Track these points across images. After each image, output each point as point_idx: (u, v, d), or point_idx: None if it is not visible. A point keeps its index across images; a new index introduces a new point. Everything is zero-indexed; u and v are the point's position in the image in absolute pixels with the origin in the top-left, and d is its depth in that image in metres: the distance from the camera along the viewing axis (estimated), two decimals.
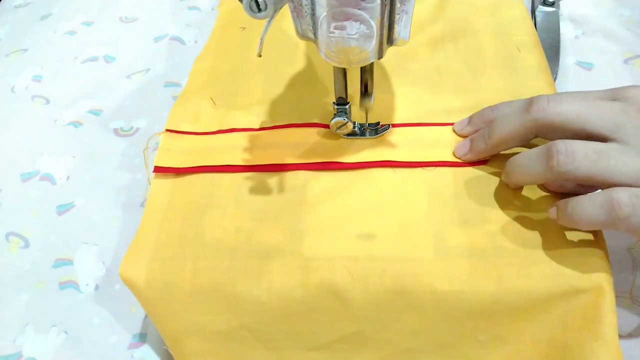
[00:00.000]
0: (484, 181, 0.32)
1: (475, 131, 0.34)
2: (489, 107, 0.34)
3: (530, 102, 0.29)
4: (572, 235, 0.29)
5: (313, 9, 0.27)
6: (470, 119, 0.35)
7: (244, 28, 0.45)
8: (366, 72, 0.32)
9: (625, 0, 0.51)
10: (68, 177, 0.43)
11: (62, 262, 0.38)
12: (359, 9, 0.26)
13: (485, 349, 0.30)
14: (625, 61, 0.46)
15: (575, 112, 0.28)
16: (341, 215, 0.32)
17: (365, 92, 0.33)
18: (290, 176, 0.34)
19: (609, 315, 0.27)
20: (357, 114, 0.35)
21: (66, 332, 0.35)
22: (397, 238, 0.30)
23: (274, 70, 0.41)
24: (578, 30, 0.49)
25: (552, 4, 0.49)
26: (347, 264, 0.29)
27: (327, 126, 0.36)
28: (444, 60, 0.41)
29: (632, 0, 0.51)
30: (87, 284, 0.37)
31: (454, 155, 0.34)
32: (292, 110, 0.38)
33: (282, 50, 0.43)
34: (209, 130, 0.37)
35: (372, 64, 0.31)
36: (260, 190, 0.33)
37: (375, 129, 0.35)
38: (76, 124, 0.47)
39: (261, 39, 0.28)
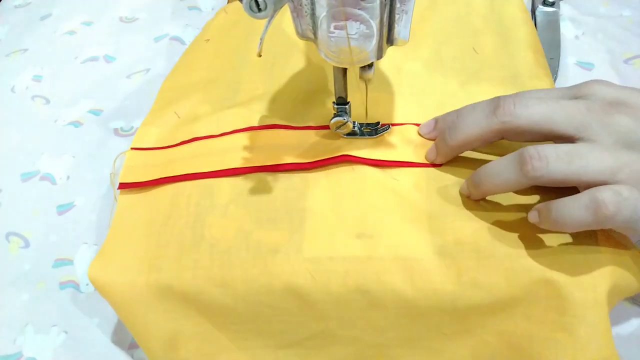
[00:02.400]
0: (451, 181, 0.32)
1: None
2: (454, 110, 0.33)
3: (496, 105, 0.29)
4: (533, 229, 0.29)
5: (313, 9, 0.27)
6: (436, 122, 0.34)
7: (208, 40, 0.47)
8: None
9: (626, 1, 0.51)
10: (68, 177, 0.43)
11: (62, 262, 0.38)
12: (358, 9, 0.26)
13: (451, 342, 0.30)
14: (626, 61, 0.46)
15: (541, 115, 0.28)
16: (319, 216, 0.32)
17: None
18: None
19: (575, 306, 0.27)
20: (357, 114, 0.35)
21: (66, 332, 0.35)
22: (356, 238, 0.30)
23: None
24: (578, 31, 0.49)
25: (552, 4, 0.49)
26: (310, 267, 0.29)
27: (326, 127, 0.36)
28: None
29: (633, 0, 0.51)
30: (87, 284, 0.37)
31: (426, 159, 0.33)
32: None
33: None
34: (173, 143, 0.38)
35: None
36: (238, 193, 0.33)
37: (375, 129, 0.35)
38: (76, 123, 0.47)
39: (261, 38, 0.28)
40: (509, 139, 0.30)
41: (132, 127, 0.46)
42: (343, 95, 0.33)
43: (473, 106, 0.32)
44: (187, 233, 0.32)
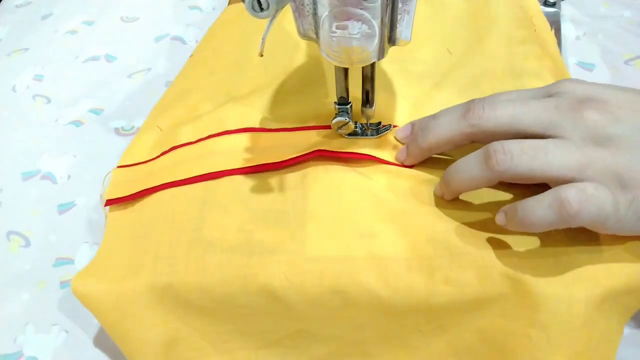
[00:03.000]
0: (426, 181, 0.32)
1: None
2: (431, 115, 0.33)
3: (467, 109, 0.30)
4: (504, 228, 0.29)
5: (315, 9, 0.27)
6: (412, 126, 0.34)
7: (192, 55, 0.48)
8: (367, 81, 0.32)
9: (626, 1, 0.51)
10: (69, 177, 0.43)
11: (63, 261, 0.38)
12: (360, 9, 0.26)
13: (429, 338, 0.30)
14: (626, 62, 0.46)
15: (508, 116, 0.28)
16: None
17: (367, 100, 0.33)
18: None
19: (547, 302, 0.27)
20: (358, 114, 0.35)
21: (67, 332, 0.35)
22: (330, 238, 0.30)
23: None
24: (579, 31, 0.49)
25: (553, 5, 0.49)
26: (284, 269, 0.29)
27: (327, 127, 0.36)
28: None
29: (633, 1, 0.51)
30: None
31: (396, 160, 0.34)
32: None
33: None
34: (155, 155, 0.38)
35: (373, 73, 0.32)
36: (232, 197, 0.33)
37: (377, 129, 0.35)
38: (77, 123, 0.47)
39: (263, 38, 0.28)
40: (480, 142, 0.30)
41: (132, 127, 0.46)
42: (344, 96, 0.33)
43: (448, 109, 0.32)
44: (165, 240, 0.32)
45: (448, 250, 0.29)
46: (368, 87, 0.32)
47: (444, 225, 0.30)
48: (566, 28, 0.49)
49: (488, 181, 0.28)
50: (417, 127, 0.34)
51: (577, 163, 0.26)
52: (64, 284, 0.37)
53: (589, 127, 0.26)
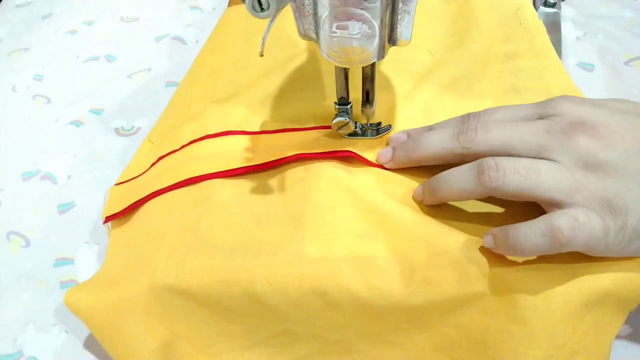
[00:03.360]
0: (407, 182, 0.33)
1: None
2: (427, 127, 0.34)
3: (460, 130, 0.30)
4: (483, 228, 0.30)
5: (315, 9, 0.27)
6: (407, 135, 0.34)
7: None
8: (367, 81, 0.32)
9: (627, 2, 0.51)
10: (69, 177, 0.43)
11: (63, 262, 0.38)
12: (361, 9, 0.26)
13: (411, 335, 0.30)
14: (626, 62, 0.46)
15: (500, 140, 0.28)
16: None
17: (367, 100, 0.33)
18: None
19: (526, 298, 0.27)
20: (358, 114, 0.35)
21: (67, 332, 0.35)
22: (312, 239, 0.30)
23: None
24: (579, 32, 0.49)
25: (553, 5, 0.49)
26: (265, 272, 0.29)
27: (327, 127, 0.36)
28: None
29: (633, 1, 0.51)
30: None
31: (376, 160, 0.34)
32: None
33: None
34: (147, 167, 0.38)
35: (373, 73, 0.32)
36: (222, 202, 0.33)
37: (377, 129, 0.35)
38: (77, 123, 0.47)
39: (263, 38, 0.28)
40: (470, 161, 0.29)
41: (133, 127, 0.46)
42: (344, 96, 0.33)
43: (443, 125, 0.32)
44: (149, 247, 0.33)
45: (427, 250, 0.29)
46: (368, 86, 0.32)
47: (424, 226, 0.30)
48: (566, 28, 0.49)
49: (477, 195, 0.29)
50: (410, 137, 0.34)
51: (568, 187, 0.26)
52: (64, 284, 0.37)
53: (579, 152, 0.27)
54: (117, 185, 0.38)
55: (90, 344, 0.34)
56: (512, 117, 0.30)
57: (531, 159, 0.27)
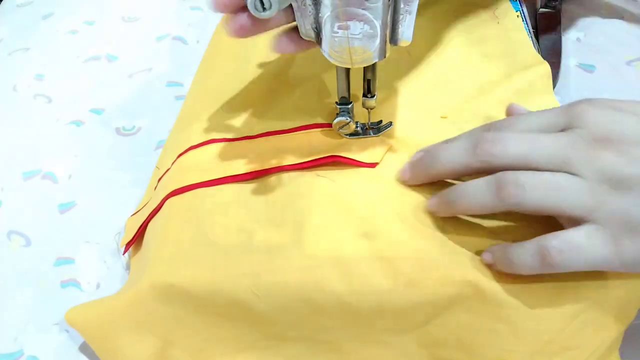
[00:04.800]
0: (394, 184, 0.33)
1: None
2: (443, 142, 0.32)
3: (476, 143, 0.28)
4: (467, 232, 0.30)
5: (317, 9, 0.27)
6: (426, 151, 0.33)
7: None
8: (369, 71, 0.32)
9: (627, 3, 0.51)
10: (70, 176, 0.43)
11: (64, 261, 0.38)
12: (362, 9, 0.26)
13: (397, 335, 0.30)
14: (628, 63, 0.46)
15: (520, 155, 0.27)
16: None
17: (368, 91, 0.33)
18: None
19: (508, 299, 0.27)
20: (359, 114, 0.35)
21: (67, 331, 0.35)
22: (293, 245, 0.30)
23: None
24: (580, 33, 0.49)
25: (554, 6, 0.49)
26: (248, 282, 0.29)
27: (328, 125, 0.36)
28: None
29: (634, 3, 0.51)
30: (88, 283, 0.37)
31: (399, 179, 0.33)
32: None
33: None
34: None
35: (375, 63, 0.31)
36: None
37: (378, 128, 0.35)
38: (78, 123, 0.47)
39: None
40: (489, 173, 0.29)
41: (133, 127, 0.46)
42: (346, 95, 0.33)
43: (459, 139, 0.31)
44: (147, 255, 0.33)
45: (412, 252, 0.29)
46: (370, 76, 0.32)
47: (409, 229, 0.30)
48: (567, 29, 0.49)
49: (496, 210, 0.28)
50: (427, 153, 0.32)
51: (588, 204, 0.25)
52: (64, 284, 0.37)
53: (604, 168, 0.26)
54: (132, 216, 0.39)
55: None
56: (534, 127, 0.29)
57: (552, 173, 0.26)
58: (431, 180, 0.32)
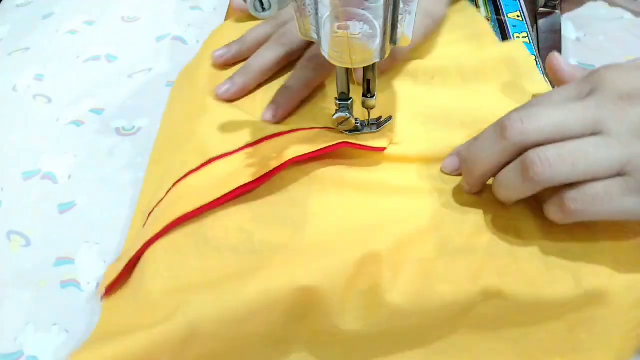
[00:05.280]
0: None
1: None
2: (472, 139, 0.32)
3: (503, 128, 0.28)
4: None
5: (316, 9, 0.27)
6: (458, 157, 0.33)
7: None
8: (369, 71, 0.32)
9: (627, 3, 0.51)
10: (69, 176, 0.43)
11: (64, 261, 0.38)
12: (362, 9, 0.26)
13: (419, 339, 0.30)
14: None
15: (552, 125, 0.27)
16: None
17: (368, 91, 0.33)
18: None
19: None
20: (359, 110, 0.35)
21: (67, 331, 0.35)
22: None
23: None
24: (580, 33, 0.49)
25: (554, 6, 0.49)
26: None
27: (329, 129, 0.36)
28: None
29: (634, 3, 0.51)
30: (88, 283, 0.37)
31: (464, 191, 0.32)
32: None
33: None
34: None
35: (374, 63, 0.31)
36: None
37: (377, 123, 0.35)
38: (78, 123, 0.47)
39: None
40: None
41: (133, 127, 0.46)
42: (345, 91, 0.33)
43: (487, 132, 0.30)
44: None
45: (436, 246, 0.29)
46: (369, 76, 0.32)
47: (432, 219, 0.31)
48: (566, 29, 0.49)
49: (531, 191, 0.28)
50: (462, 158, 0.32)
51: (616, 161, 0.26)
52: (64, 284, 0.37)
53: (632, 121, 0.26)
54: (113, 264, 0.35)
55: None
56: (559, 101, 0.29)
57: (577, 140, 0.26)
58: (484, 180, 0.31)
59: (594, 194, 0.26)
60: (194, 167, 0.35)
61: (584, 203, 0.26)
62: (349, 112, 0.33)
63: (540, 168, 0.26)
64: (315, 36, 0.29)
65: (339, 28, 0.27)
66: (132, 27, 0.56)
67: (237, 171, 0.34)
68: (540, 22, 0.49)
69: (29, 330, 0.35)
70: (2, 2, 0.63)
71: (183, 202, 0.33)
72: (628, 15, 0.50)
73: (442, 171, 0.34)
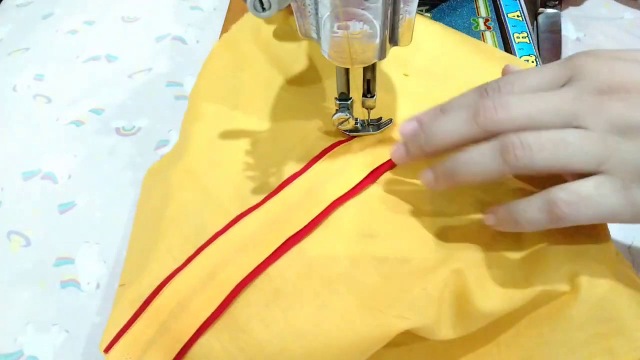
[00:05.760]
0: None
1: None
2: (437, 108, 0.31)
3: (475, 112, 0.27)
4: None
5: (316, 9, 0.27)
6: (418, 122, 0.31)
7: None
8: (368, 71, 0.32)
9: (627, 2, 0.51)
10: (69, 176, 0.43)
11: (64, 261, 0.38)
12: (362, 9, 0.26)
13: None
14: None
15: (526, 116, 0.26)
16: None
17: (368, 91, 0.33)
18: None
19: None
20: (359, 110, 0.35)
21: (67, 331, 0.35)
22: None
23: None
24: (580, 32, 0.49)
25: (554, 6, 0.49)
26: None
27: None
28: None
29: (634, 2, 0.51)
30: (88, 283, 0.37)
31: (392, 159, 0.32)
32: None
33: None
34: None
35: (374, 63, 0.31)
36: None
37: (378, 124, 0.35)
38: (78, 123, 0.47)
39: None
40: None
41: (133, 127, 0.46)
42: (345, 91, 0.33)
43: (455, 105, 0.29)
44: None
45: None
46: (369, 76, 0.32)
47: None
48: (567, 29, 0.49)
49: (503, 176, 0.27)
50: (422, 125, 0.31)
51: (597, 156, 0.25)
52: (64, 284, 0.37)
53: (612, 118, 0.25)
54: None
55: (90, 343, 0.34)
56: (534, 85, 0.28)
57: (557, 130, 0.25)
58: (430, 157, 0.30)
59: (587, 195, 0.25)
60: (219, 228, 0.31)
61: (578, 205, 0.25)
62: (348, 112, 0.33)
63: (521, 152, 0.25)
64: (315, 36, 0.29)
65: (338, 28, 0.27)
66: (132, 27, 0.56)
67: (276, 223, 0.31)
68: (540, 22, 0.49)
69: (29, 330, 0.35)
70: (2, 2, 0.63)
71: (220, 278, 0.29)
72: (628, 15, 0.50)
73: (400, 134, 0.32)
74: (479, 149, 0.27)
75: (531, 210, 0.26)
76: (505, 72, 0.33)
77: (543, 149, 0.25)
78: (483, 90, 0.29)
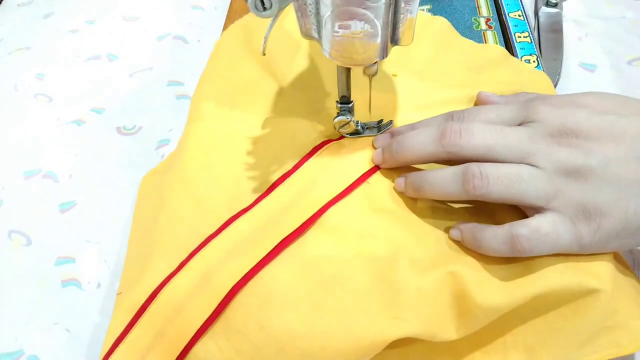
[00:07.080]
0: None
1: None
2: (410, 125, 0.34)
3: (442, 134, 0.30)
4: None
5: (317, 8, 0.27)
6: (392, 136, 0.34)
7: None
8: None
9: (629, 3, 0.51)
10: (70, 175, 0.43)
11: (64, 260, 0.38)
12: (363, 9, 0.26)
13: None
14: (629, 62, 0.46)
15: (485, 146, 0.29)
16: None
17: None
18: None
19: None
20: (360, 113, 0.35)
21: (68, 330, 0.35)
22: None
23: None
24: (581, 32, 0.49)
25: (555, 5, 0.49)
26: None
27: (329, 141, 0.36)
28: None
29: (636, 2, 0.51)
30: (89, 282, 0.37)
31: (372, 162, 0.34)
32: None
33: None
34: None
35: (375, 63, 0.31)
36: None
37: (378, 127, 0.35)
38: (79, 122, 0.47)
39: (265, 37, 0.28)
40: (457, 163, 0.30)
41: (134, 126, 0.46)
42: (346, 95, 0.33)
43: (426, 126, 0.33)
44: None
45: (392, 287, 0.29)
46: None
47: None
48: (568, 28, 0.49)
49: (461, 200, 0.31)
50: (395, 138, 0.33)
51: (547, 194, 0.28)
52: (65, 283, 0.37)
53: (560, 160, 0.28)
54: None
55: (91, 342, 0.34)
56: (495, 119, 0.31)
57: (514, 165, 0.28)
58: (402, 165, 0.33)
59: (545, 233, 0.27)
60: (211, 231, 0.32)
61: (538, 241, 0.27)
62: (350, 116, 0.33)
63: (479, 182, 0.28)
64: (316, 35, 0.29)
65: (340, 27, 0.27)
66: (132, 27, 0.56)
67: (268, 225, 0.31)
68: (542, 21, 0.49)
69: (29, 329, 0.35)
70: (3, 1, 0.63)
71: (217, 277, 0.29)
72: (629, 15, 0.50)
73: (373, 145, 0.35)
74: (444, 172, 0.30)
75: (496, 241, 0.28)
76: (478, 97, 0.37)
77: (499, 182, 0.28)
78: (449, 116, 0.32)
